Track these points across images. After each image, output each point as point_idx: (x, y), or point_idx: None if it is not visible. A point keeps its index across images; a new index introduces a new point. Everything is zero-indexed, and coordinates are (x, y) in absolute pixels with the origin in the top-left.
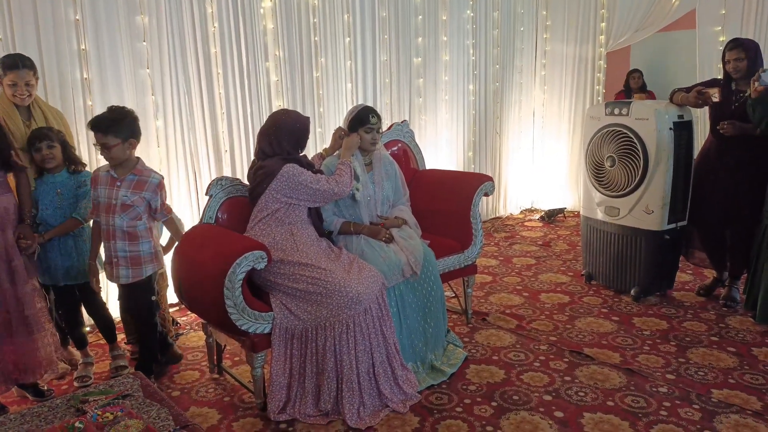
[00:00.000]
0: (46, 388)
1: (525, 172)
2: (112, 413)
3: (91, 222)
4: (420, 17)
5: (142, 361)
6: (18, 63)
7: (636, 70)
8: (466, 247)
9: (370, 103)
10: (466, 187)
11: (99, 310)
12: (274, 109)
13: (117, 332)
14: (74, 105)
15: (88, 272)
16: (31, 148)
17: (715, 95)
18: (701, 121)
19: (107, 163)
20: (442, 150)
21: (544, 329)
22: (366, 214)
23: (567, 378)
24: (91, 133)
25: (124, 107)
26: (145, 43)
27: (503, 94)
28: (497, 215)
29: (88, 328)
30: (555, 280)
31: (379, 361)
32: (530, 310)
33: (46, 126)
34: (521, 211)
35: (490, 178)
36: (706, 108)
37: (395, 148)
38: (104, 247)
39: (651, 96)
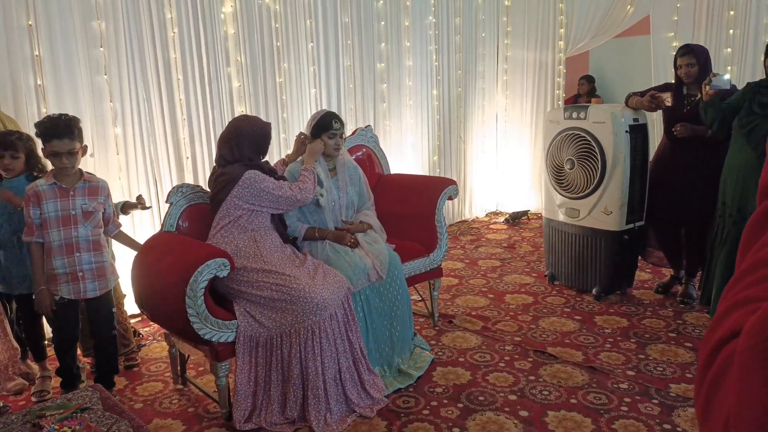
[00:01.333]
0: (1, 404)
1: (489, 176)
2: (70, 427)
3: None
4: (383, 23)
5: (101, 373)
6: None
7: (584, 77)
8: (431, 250)
9: (334, 109)
10: (430, 191)
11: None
12: (237, 115)
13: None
14: (27, 112)
15: (38, 301)
16: None
17: (667, 99)
18: (656, 124)
19: (42, 177)
20: (407, 155)
21: (509, 330)
22: (331, 219)
23: (531, 377)
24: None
25: (64, 113)
26: (102, 49)
27: (466, 99)
28: (463, 218)
29: (46, 342)
30: (519, 281)
31: (345, 366)
32: (495, 311)
33: (14, 132)
34: (486, 214)
35: (454, 182)
36: (661, 111)
37: (360, 153)
38: (61, 263)
39: (597, 101)
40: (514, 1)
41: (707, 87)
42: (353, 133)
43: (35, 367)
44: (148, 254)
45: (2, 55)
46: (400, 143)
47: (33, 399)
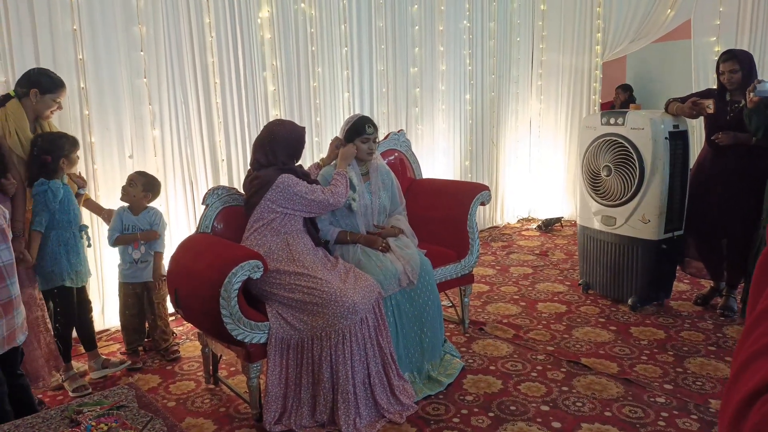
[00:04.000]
0: (37, 400)
1: (522, 182)
2: (106, 424)
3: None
4: (417, 27)
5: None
6: (63, 82)
7: (620, 86)
8: (462, 256)
9: (366, 113)
10: (462, 197)
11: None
12: (271, 119)
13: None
14: (71, 114)
15: None
16: (72, 153)
17: (709, 106)
18: (697, 130)
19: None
20: (438, 159)
21: (541, 339)
22: (362, 223)
23: (564, 388)
24: (87, 143)
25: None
26: (142, 53)
27: (500, 104)
28: (494, 224)
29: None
30: (552, 289)
31: (375, 371)
32: (527, 319)
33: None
34: (518, 221)
35: (487, 188)
36: (702, 117)
37: (392, 158)
38: None
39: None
40: (550, 5)
41: (751, 94)
42: (386, 137)
43: (75, 364)
44: (184, 255)
45: (48, 58)
46: (432, 148)
47: (72, 394)
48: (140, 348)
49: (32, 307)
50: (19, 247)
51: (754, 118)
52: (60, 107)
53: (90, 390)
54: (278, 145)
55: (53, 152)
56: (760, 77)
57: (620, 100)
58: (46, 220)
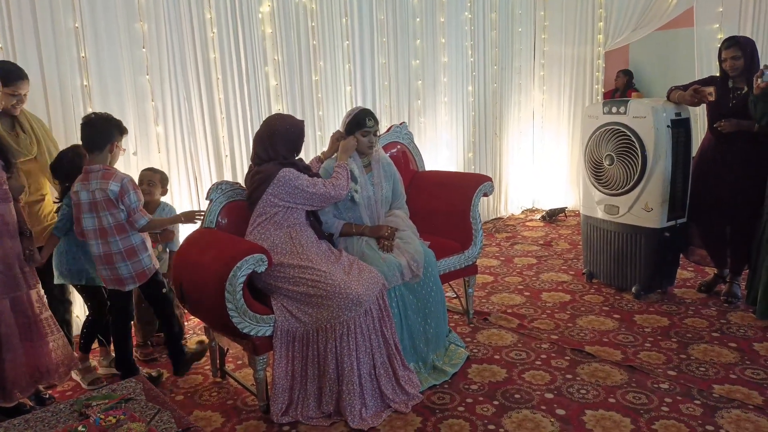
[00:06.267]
0: (47, 395)
1: (525, 173)
2: (114, 417)
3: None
4: (418, 19)
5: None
6: (23, 74)
7: (621, 71)
8: (466, 247)
9: (369, 106)
10: (465, 188)
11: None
12: (274, 113)
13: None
14: (74, 112)
15: None
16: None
17: (711, 94)
18: (700, 118)
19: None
20: (441, 151)
21: (545, 328)
22: (366, 215)
23: (568, 376)
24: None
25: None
26: (144, 50)
27: (502, 95)
28: (498, 216)
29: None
30: (556, 279)
31: (380, 362)
32: (531, 309)
33: None
34: (522, 211)
35: (489, 179)
36: (705, 105)
37: (394, 150)
38: None
39: (639, 95)
40: None
41: (759, 80)
42: (388, 129)
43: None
44: (189, 249)
45: (50, 56)
46: (435, 140)
47: (86, 387)
48: (149, 342)
49: (41, 308)
50: (28, 244)
51: (759, 104)
52: (22, 101)
53: (105, 383)
54: (278, 140)
55: None
56: (763, 63)
57: (621, 83)
58: (63, 225)
